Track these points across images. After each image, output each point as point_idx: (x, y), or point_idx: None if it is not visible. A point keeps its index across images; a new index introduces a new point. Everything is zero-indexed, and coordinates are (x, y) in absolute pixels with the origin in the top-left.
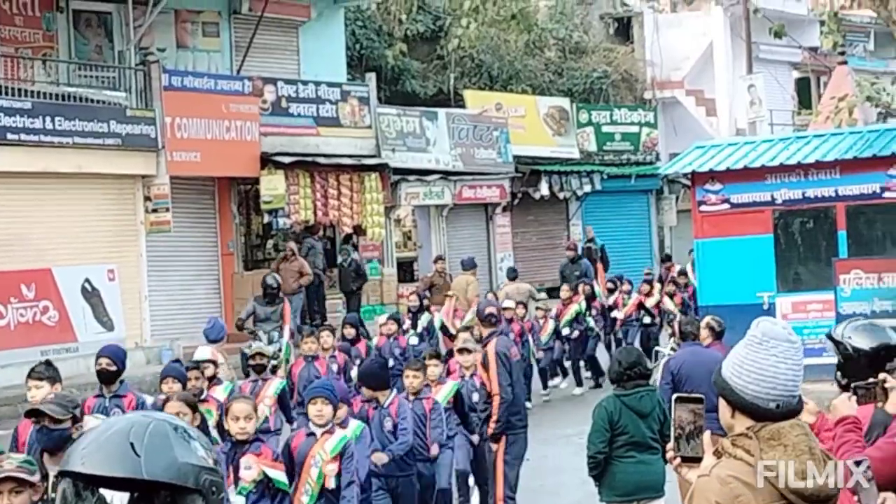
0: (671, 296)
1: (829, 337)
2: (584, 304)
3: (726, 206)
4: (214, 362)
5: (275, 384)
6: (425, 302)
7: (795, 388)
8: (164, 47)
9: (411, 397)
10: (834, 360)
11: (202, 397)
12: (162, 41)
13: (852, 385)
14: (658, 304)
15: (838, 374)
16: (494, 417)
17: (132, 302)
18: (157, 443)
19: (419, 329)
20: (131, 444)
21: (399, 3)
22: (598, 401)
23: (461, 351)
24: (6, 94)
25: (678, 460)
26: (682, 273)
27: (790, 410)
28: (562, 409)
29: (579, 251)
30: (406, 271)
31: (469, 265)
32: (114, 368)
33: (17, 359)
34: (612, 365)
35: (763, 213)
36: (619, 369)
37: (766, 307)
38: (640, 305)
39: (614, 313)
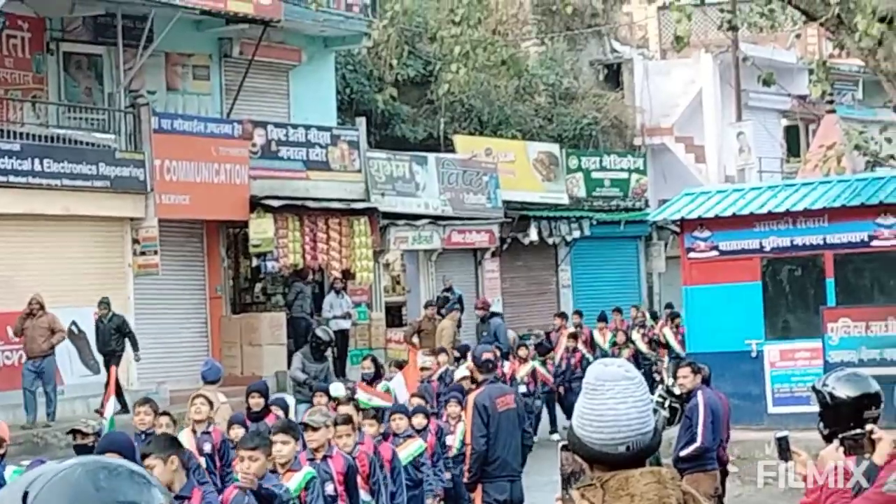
0: (543, 363)
1: (813, 388)
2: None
3: (715, 253)
4: None
5: None
6: (388, 369)
7: (643, 425)
8: (154, 90)
9: (246, 486)
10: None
11: None
12: (152, 84)
13: (840, 436)
14: (533, 374)
15: (821, 424)
16: (466, 467)
17: None
18: (56, 490)
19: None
20: (24, 494)
21: (390, 48)
22: None
23: (305, 427)
24: None
25: None
26: (572, 336)
27: (643, 449)
28: (546, 455)
29: (489, 309)
30: (395, 316)
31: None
32: None
33: (1, 401)
34: None
35: (751, 260)
36: None
37: (754, 355)
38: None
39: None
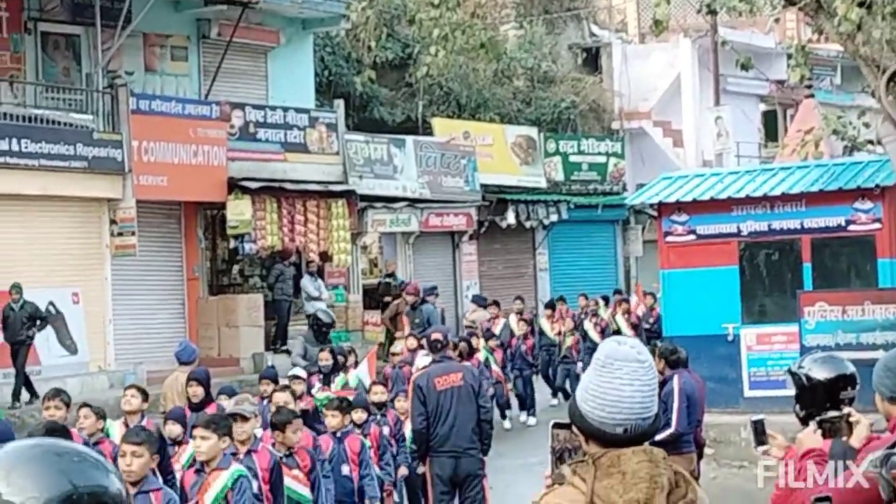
0: (491, 352)
1: (788, 371)
2: None
3: (692, 237)
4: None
5: None
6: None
7: (645, 410)
8: (132, 70)
9: (132, 489)
10: None
11: None
12: (130, 64)
13: (817, 419)
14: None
15: (797, 406)
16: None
17: (96, 325)
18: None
19: (332, 392)
20: None
21: (368, 31)
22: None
23: (235, 418)
24: None
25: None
26: (525, 321)
27: (641, 434)
28: (524, 438)
29: (421, 294)
30: (372, 298)
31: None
32: None
33: None
34: None
35: (729, 244)
36: None
37: (730, 338)
38: None
39: None
